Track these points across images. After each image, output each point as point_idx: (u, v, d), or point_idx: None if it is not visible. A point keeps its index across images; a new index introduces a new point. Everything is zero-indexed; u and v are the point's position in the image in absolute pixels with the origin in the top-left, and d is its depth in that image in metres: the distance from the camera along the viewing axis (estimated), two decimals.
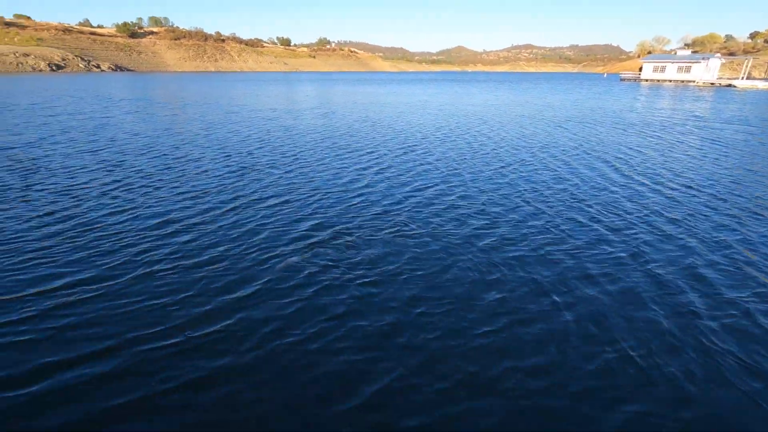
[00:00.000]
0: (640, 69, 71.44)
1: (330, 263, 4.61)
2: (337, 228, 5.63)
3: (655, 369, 3.08)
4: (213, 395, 2.79)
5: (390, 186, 7.75)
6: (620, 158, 10.36)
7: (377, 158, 10.11)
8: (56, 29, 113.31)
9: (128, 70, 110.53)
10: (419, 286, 4.13)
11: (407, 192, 7.37)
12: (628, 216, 6.23)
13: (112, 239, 5.17)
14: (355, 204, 6.66)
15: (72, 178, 7.99)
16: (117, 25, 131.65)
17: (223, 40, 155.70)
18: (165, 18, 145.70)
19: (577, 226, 5.79)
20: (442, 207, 6.55)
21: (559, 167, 9.39)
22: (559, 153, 10.96)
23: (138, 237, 5.25)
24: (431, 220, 5.99)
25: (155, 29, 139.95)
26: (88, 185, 7.52)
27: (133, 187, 7.47)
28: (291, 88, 45.02)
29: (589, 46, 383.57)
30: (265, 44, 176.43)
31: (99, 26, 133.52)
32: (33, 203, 6.48)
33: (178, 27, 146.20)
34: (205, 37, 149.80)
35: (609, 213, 6.37)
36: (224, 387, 2.86)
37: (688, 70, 61.14)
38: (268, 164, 9.37)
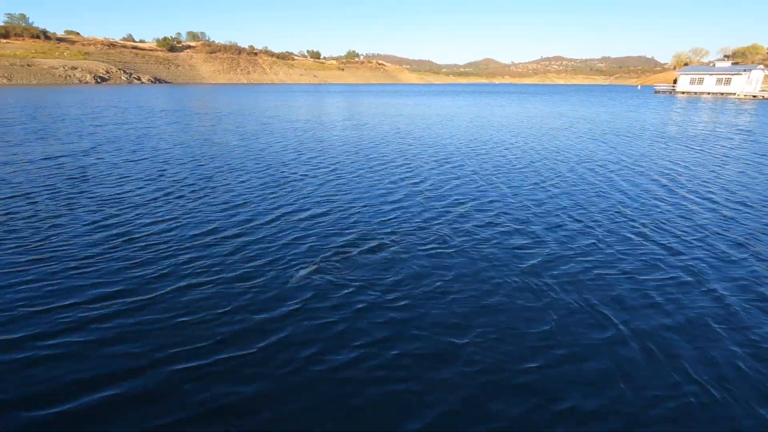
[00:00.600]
0: (675, 81, 68.88)
1: (371, 281, 4.47)
2: (377, 243, 5.52)
3: (738, 409, 2.79)
4: (242, 425, 2.65)
5: (427, 199, 7.61)
6: (666, 174, 9.87)
7: (412, 171, 10.00)
8: (102, 44, 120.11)
9: (166, 82, 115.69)
10: (464, 310, 3.94)
11: (445, 205, 7.21)
12: (683, 235, 5.86)
13: (153, 250, 5.23)
14: (393, 218, 6.55)
15: (118, 186, 8.24)
16: (158, 40, 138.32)
17: (256, 54, 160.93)
18: (202, 32, 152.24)
19: (629, 246, 5.47)
20: (483, 222, 6.35)
21: (602, 182, 9.02)
22: (599, 167, 10.57)
23: (178, 248, 5.29)
24: (473, 235, 5.80)
25: (192, 43, 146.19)
26: (132, 194, 7.73)
27: (175, 196, 7.63)
28: (321, 100, 45.81)
29: (621, 57, 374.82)
30: (295, 57, 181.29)
31: (141, 41, 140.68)
32: (78, 212, 6.68)
33: (214, 41, 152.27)
34: (239, 51, 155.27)
35: (662, 231, 6.01)
36: (254, 416, 2.71)
37: (728, 82, 58.65)
38: (304, 175, 9.42)
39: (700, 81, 61.71)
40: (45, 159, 10.74)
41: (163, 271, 4.65)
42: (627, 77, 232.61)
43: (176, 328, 3.62)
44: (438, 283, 4.42)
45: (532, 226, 6.21)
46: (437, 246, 5.42)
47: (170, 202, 7.27)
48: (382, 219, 6.49)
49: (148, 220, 6.30)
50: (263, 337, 3.50)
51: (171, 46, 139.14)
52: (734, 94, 56.48)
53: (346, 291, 4.26)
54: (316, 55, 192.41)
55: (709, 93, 59.94)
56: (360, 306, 3.99)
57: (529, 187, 8.56)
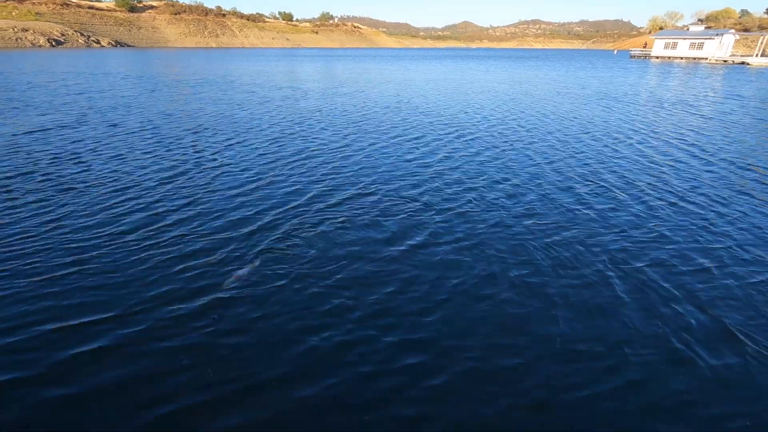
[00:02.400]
0: (645, 45, 69.54)
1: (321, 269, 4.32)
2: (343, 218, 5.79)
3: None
4: None
5: (462, 176, 7.37)
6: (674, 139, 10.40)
7: (431, 145, 10.16)
8: (54, 3, 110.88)
9: (128, 45, 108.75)
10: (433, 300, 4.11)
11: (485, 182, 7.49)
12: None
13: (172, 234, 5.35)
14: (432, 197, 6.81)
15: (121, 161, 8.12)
16: (116, 0, 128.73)
17: (224, 15, 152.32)
18: None
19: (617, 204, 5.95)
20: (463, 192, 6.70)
21: (655, 157, 9.46)
22: (645, 139, 11.00)
23: (206, 241, 5.43)
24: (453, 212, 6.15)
25: (154, 3, 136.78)
26: (138, 176, 7.67)
27: (189, 184, 7.62)
28: (301, 65, 44.37)
29: (599, 21, 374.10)
30: (267, 19, 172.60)
31: (98, 0, 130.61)
32: (102, 191, 6.65)
33: (177, 1, 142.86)
34: (206, 12, 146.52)
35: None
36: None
37: (700, 47, 59.79)
38: (319, 152, 9.27)
39: (674, 45, 62.68)
40: (29, 133, 10.35)
41: (184, 266, 4.81)
42: (604, 41, 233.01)
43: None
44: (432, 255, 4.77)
45: (536, 190, 6.61)
46: (427, 207, 5.75)
47: (191, 185, 7.28)
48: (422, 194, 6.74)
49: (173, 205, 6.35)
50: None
51: (131, 6, 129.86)
52: (706, 58, 57.76)
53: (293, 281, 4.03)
54: (288, 18, 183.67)
55: (682, 58, 61.06)
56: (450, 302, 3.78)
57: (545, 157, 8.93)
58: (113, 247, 4.59)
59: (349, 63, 49.25)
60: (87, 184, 6.56)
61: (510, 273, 4.16)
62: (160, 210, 5.61)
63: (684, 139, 10.23)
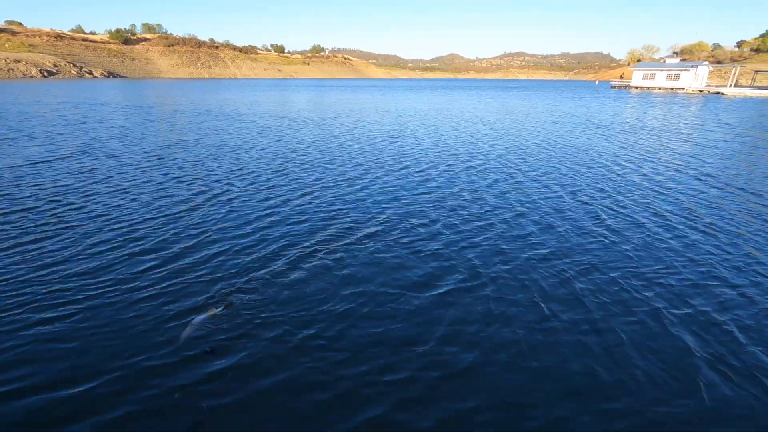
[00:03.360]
0: (621, 76, 72.70)
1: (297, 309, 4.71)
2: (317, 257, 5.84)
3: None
4: None
5: (481, 209, 7.63)
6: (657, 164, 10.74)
7: (435, 173, 10.34)
8: (48, 35, 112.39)
9: (121, 76, 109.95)
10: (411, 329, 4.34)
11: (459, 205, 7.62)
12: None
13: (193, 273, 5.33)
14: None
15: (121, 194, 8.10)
16: (110, 32, 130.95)
17: (217, 47, 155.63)
18: (158, 24, 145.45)
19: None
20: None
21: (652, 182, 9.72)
22: (599, 160, 11.32)
23: (223, 269, 5.41)
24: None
25: (148, 36, 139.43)
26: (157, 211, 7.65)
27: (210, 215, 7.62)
28: (295, 95, 45.22)
29: (580, 53, 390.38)
30: (259, 51, 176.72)
31: (92, 32, 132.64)
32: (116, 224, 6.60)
33: (171, 34, 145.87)
34: (199, 44, 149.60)
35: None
36: None
37: (677, 77, 62.62)
38: (329, 184, 9.53)
39: (652, 76, 65.54)
40: (30, 165, 10.30)
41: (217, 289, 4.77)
42: (585, 73, 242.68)
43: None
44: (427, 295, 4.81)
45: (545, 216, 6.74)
46: (427, 239, 5.82)
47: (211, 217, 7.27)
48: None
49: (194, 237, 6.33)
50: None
51: (125, 38, 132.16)
52: (683, 89, 60.37)
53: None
54: (280, 50, 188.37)
55: (660, 88, 63.75)
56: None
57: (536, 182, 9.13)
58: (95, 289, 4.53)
59: (342, 93, 50.36)
60: (88, 218, 6.50)
61: (558, 316, 4.20)
62: (167, 248, 5.58)
63: (689, 165, 10.59)
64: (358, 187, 8.41)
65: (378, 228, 6.12)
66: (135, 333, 3.66)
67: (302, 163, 10.56)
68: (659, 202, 7.64)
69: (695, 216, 6.85)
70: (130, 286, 4.39)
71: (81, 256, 5.04)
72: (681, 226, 6.36)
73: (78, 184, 8.21)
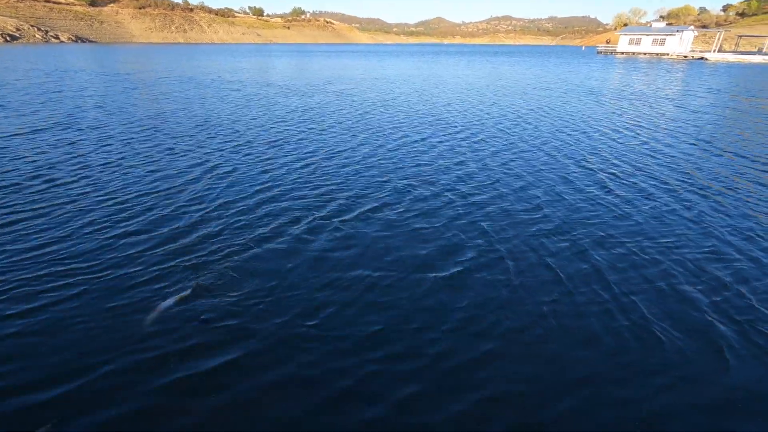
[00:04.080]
0: (607, 41, 72.28)
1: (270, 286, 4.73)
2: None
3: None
4: None
5: (489, 178, 7.63)
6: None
7: (435, 142, 10.19)
8: None
9: (90, 41, 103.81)
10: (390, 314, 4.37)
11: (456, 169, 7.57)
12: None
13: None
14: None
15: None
16: None
17: (192, 10, 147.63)
18: None
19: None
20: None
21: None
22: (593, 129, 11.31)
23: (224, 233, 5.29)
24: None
25: None
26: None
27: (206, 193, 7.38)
28: (279, 61, 43.54)
29: (567, 17, 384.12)
30: (236, 14, 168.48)
31: None
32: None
33: None
34: (172, 6, 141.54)
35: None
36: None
37: (662, 42, 62.31)
38: (328, 155, 9.31)
39: (638, 41, 65.05)
40: (13, 136, 9.77)
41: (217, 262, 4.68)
42: (572, 38, 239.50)
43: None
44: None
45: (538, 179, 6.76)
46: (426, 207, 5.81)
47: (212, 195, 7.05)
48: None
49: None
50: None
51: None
52: (668, 54, 60.24)
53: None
54: (259, 12, 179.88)
55: (645, 53, 63.46)
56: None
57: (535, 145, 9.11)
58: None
59: (327, 59, 48.72)
60: (75, 195, 6.26)
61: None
62: (164, 226, 5.43)
63: (685, 132, 10.68)
64: (358, 157, 8.26)
65: (383, 201, 6.03)
66: (122, 322, 3.44)
67: (297, 134, 10.28)
68: (662, 168, 7.72)
69: (700, 183, 6.95)
70: (121, 272, 4.22)
71: (69, 239, 4.86)
72: (687, 194, 6.44)
73: (63, 158, 7.83)
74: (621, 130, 11.13)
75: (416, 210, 5.68)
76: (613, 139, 10.04)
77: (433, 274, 4.11)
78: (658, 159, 8.39)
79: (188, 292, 3.71)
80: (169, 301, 3.58)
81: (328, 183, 6.74)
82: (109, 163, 7.63)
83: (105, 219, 5.25)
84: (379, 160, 8.11)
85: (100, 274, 4.05)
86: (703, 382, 2.88)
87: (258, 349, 3.15)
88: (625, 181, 6.98)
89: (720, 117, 13.20)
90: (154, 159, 7.94)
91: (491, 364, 3.00)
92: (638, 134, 10.64)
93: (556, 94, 18.64)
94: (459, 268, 4.22)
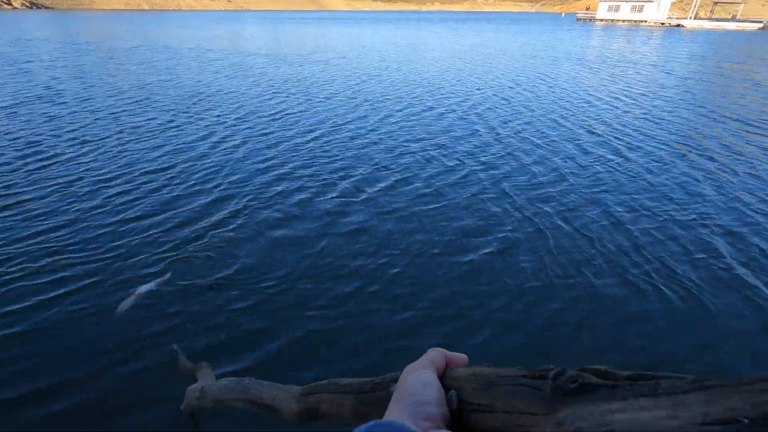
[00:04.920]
0: (587, 8, 72.25)
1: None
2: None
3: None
4: None
5: (505, 150, 7.76)
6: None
7: (442, 112, 10.02)
8: None
9: (46, 7, 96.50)
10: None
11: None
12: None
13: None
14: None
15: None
16: None
17: None
18: None
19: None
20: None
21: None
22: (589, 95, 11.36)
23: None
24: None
25: None
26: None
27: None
28: (257, 29, 41.58)
29: None
30: None
31: None
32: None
33: None
34: None
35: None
36: None
37: (640, 9, 62.50)
38: (334, 127, 9.06)
39: (617, 8, 65.03)
40: None
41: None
42: (551, 4, 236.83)
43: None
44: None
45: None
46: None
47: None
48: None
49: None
50: None
51: None
52: (646, 21, 60.52)
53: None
54: None
55: (624, 20, 63.59)
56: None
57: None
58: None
59: (306, 27, 46.85)
60: (65, 174, 5.95)
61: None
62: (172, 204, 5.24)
63: (683, 98, 10.86)
64: (366, 128, 8.05)
65: (404, 173, 5.92)
66: (98, 308, 3.16)
67: (297, 105, 9.94)
68: (670, 135, 7.82)
69: (709, 149, 7.11)
70: (110, 255, 4.11)
71: (74, 223, 4.65)
72: (703, 160, 6.54)
73: (49, 134, 7.36)
74: (620, 97, 11.23)
75: (442, 181, 5.64)
76: (616, 107, 10.13)
77: (476, 248, 4.12)
78: (663, 126, 8.53)
79: (167, 276, 3.46)
80: (150, 285, 3.30)
81: (340, 156, 6.58)
82: (107, 137, 7.24)
83: (108, 199, 5.00)
84: (390, 130, 7.97)
85: (90, 259, 3.80)
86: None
87: (246, 334, 2.95)
88: (639, 149, 7.08)
89: (711, 83, 13.47)
90: (153, 133, 7.57)
91: (547, 337, 3.08)
92: (637, 101, 10.76)
93: (547, 61, 18.56)
94: (498, 243, 4.19)
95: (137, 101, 9.94)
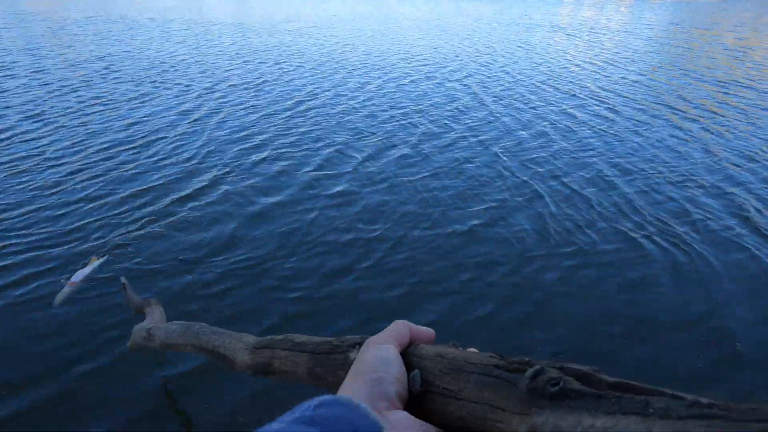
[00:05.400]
0: None
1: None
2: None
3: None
4: None
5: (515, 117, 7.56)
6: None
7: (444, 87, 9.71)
8: None
9: None
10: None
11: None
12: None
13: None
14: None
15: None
16: None
17: None
18: None
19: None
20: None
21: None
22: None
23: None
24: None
25: None
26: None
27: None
28: None
29: None
30: None
31: None
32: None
33: None
34: None
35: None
36: None
37: None
38: (325, 97, 8.64)
39: None
40: None
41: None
42: None
43: None
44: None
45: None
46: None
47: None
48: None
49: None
50: None
51: None
52: None
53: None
54: None
55: None
56: None
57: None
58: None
59: None
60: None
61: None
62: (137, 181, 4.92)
63: (665, 62, 10.95)
64: (347, 96, 7.75)
65: (391, 139, 5.76)
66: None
67: (270, 75, 9.42)
68: (651, 98, 7.88)
69: (691, 111, 7.20)
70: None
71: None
72: (686, 122, 6.62)
73: (12, 105, 6.76)
74: (597, 62, 11.22)
75: (429, 147, 5.49)
76: (594, 71, 10.11)
77: (469, 217, 4.02)
78: (642, 89, 8.58)
79: (105, 258, 3.12)
80: (87, 269, 2.93)
81: (321, 125, 6.29)
82: (63, 111, 6.68)
83: (65, 177, 4.57)
84: (371, 97, 7.69)
85: (43, 244, 3.38)
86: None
87: (219, 321, 2.70)
88: (623, 113, 7.09)
89: (682, 48, 13.66)
90: (116, 105, 7.04)
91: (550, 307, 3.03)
92: (615, 65, 10.79)
93: (521, 29, 18.35)
94: (493, 211, 4.06)
95: (96, 72, 9.22)
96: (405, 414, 0.39)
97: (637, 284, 3.02)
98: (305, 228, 3.64)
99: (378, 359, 0.44)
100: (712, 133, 6.17)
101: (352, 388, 0.41)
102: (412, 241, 3.50)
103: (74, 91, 7.76)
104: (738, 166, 5.09)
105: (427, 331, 0.50)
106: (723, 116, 6.92)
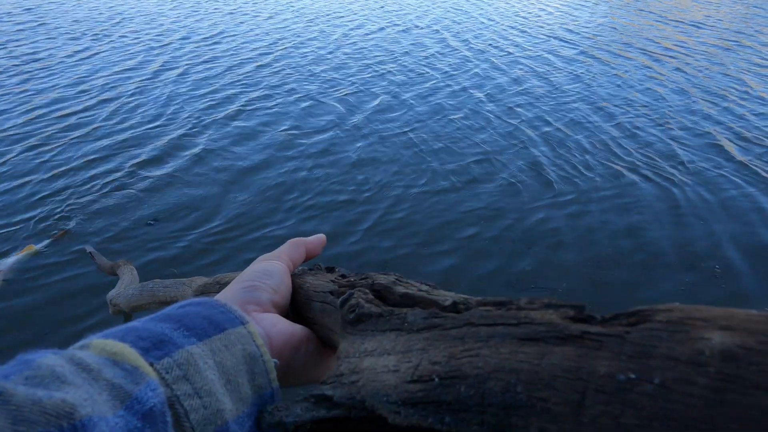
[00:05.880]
0: None
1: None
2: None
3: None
4: None
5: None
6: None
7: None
8: None
9: None
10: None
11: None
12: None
13: None
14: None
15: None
16: None
17: None
18: None
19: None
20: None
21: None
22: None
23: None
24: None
25: None
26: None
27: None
28: None
29: None
30: None
31: None
32: None
33: None
34: None
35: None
36: None
37: None
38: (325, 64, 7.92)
39: None
40: None
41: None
42: None
43: None
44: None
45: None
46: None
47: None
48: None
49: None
50: None
51: None
52: None
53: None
54: None
55: None
56: None
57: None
58: None
59: None
60: None
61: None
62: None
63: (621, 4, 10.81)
64: (325, 49, 7.23)
65: (372, 96, 5.44)
66: None
67: (236, 27, 8.62)
68: (623, 38, 7.83)
69: (659, 52, 7.21)
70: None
71: None
72: (656, 63, 6.67)
73: None
74: (563, 4, 10.98)
75: (414, 96, 5.24)
76: (562, 14, 9.90)
77: (466, 167, 3.88)
78: (611, 31, 8.55)
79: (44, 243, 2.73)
80: (21, 256, 2.54)
81: (298, 79, 5.85)
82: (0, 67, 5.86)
83: None
84: (339, 46, 7.20)
85: None
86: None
87: None
88: (595, 55, 7.01)
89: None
90: (58, 64, 6.23)
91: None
92: (582, 8, 10.61)
93: None
94: (488, 165, 3.88)
95: (27, 27, 8.10)
96: (276, 315, 0.39)
97: (641, 225, 3.05)
98: (295, 190, 3.36)
99: (258, 271, 0.42)
100: (684, 73, 6.22)
101: (224, 295, 0.39)
102: (411, 197, 3.28)
103: (3, 48, 6.80)
104: (714, 104, 5.17)
105: (317, 238, 0.50)
106: (691, 56, 6.97)
